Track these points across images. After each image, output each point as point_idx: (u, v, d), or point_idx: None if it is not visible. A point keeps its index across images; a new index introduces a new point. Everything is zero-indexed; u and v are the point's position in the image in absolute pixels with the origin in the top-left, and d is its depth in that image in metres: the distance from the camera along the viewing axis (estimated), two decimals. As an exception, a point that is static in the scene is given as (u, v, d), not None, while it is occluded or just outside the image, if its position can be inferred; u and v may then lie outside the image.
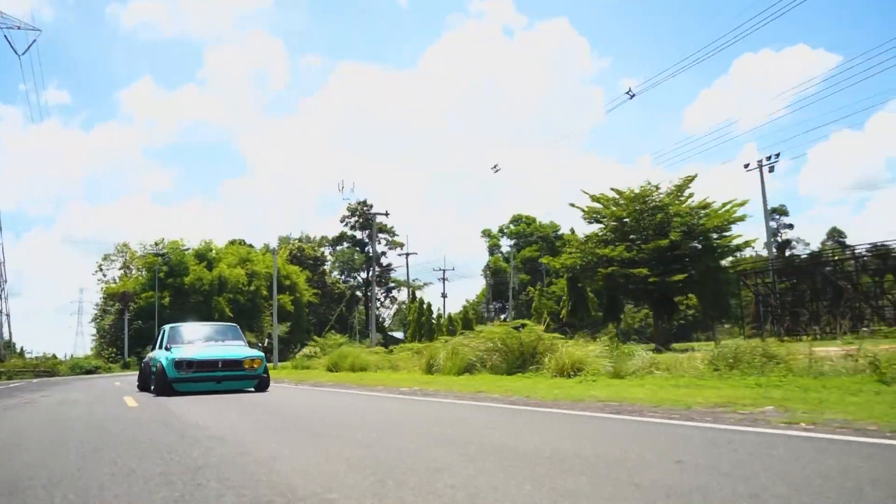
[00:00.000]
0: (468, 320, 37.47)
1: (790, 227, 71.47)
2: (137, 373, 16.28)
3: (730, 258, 25.29)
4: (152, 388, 11.29)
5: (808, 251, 62.50)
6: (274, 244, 70.79)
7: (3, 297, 49.77)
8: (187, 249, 51.19)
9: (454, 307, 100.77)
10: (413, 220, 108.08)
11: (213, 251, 53.67)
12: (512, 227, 76.61)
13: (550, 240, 65.56)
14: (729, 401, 5.59)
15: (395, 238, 74.95)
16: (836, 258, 26.23)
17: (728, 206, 22.52)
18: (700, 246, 21.94)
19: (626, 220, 23.36)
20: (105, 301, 53.55)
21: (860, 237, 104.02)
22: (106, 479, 2.99)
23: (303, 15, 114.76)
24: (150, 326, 46.50)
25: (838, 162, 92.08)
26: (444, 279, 65.72)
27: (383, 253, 77.93)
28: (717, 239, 22.23)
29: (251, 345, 13.60)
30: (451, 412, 6.21)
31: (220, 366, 10.81)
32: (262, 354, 11.62)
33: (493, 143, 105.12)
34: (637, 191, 23.43)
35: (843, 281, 23.29)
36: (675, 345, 22.41)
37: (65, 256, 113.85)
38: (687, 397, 6.15)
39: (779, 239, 66.39)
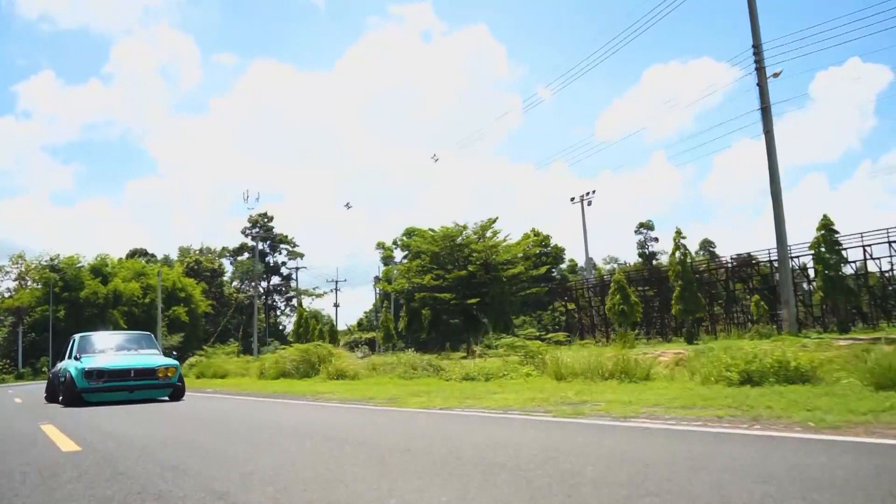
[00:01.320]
0: (334, 331, 42.67)
1: (656, 239, 79.87)
2: (45, 383, 15.80)
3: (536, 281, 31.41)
4: (60, 398, 11.37)
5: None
6: (174, 255, 73.68)
7: None
8: (82, 266, 54.20)
9: (356, 314, 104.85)
10: (319, 227, 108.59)
11: (109, 266, 56.81)
12: (405, 238, 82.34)
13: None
14: (369, 396, 9.73)
15: (296, 248, 79.61)
16: (703, 267, 28.95)
17: (521, 242, 28.66)
18: (491, 276, 28.04)
19: (440, 253, 29.24)
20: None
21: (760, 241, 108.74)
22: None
23: (215, 12, 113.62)
24: (44, 338, 49.46)
25: (741, 169, 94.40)
26: (336, 290, 70.89)
27: (283, 263, 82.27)
28: (504, 269, 28.39)
29: (166, 353, 13.43)
30: (235, 406, 9.90)
31: (132, 375, 10.91)
32: (177, 363, 11.59)
33: (408, 148, 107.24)
34: (449, 229, 29.36)
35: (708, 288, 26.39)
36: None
37: None
38: (366, 391, 10.83)
39: (646, 251, 75.10)
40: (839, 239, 18.97)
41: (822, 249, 18.37)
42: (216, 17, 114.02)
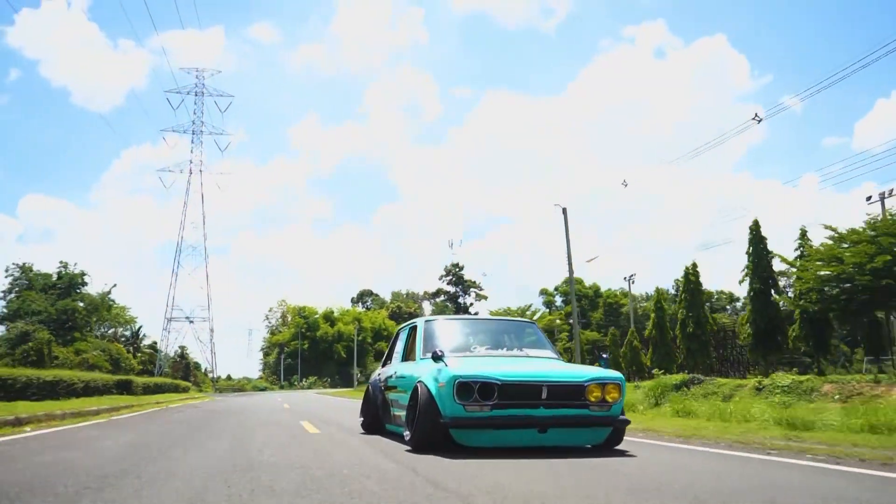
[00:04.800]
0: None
1: None
2: (361, 399, 8.28)
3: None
4: (405, 431, 5.68)
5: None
6: (388, 296, 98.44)
7: (210, 336, 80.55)
8: (317, 315, 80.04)
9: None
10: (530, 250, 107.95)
11: (336, 313, 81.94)
12: (564, 286, 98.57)
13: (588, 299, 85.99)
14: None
15: (482, 292, 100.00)
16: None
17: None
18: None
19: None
20: (269, 345, 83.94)
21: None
22: None
23: (454, 47, 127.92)
24: (296, 364, 75.17)
25: None
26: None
27: (471, 304, 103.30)
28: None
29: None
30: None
31: (543, 395, 5.16)
32: (621, 378, 5.47)
33: (637, 167, 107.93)
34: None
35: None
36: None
37: (236, 283, 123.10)
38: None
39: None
40: None
41: None
42: (454, 52, 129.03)
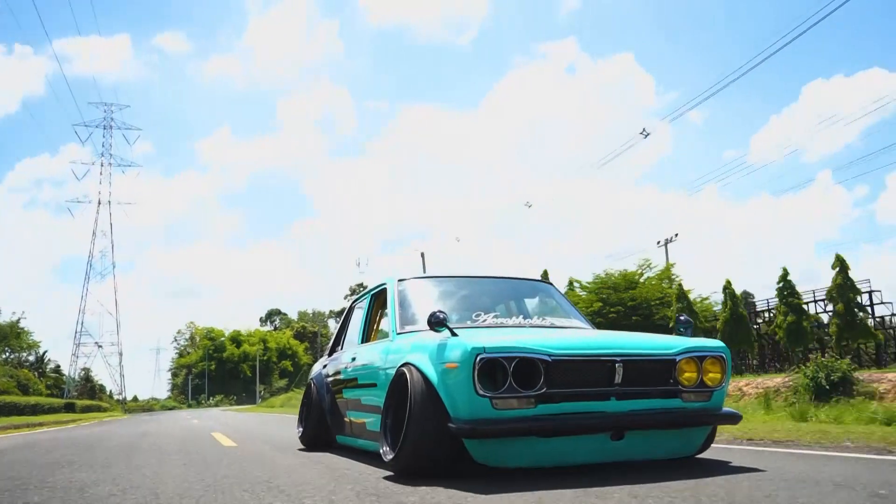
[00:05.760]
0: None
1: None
2: (300, 409, 5.99)
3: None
4: (381, 447, 3.45)
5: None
6: (295, 315, 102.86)
7: (120, 360, 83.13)
8: (224, 338, 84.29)
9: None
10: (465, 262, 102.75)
11: (242, 336, 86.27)
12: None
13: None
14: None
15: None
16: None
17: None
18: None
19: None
20: (177, 367, 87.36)
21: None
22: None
23: (369, 61, 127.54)
24: (202, 383, 79.18)
25: None
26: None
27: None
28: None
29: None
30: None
31: (617, 378, 3.06)
32: (723, 346, 3.38)
33: (548, 180, 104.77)
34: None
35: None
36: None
37: (143, 299, 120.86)
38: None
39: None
40: None
41: None
42: (367, 66, 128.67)
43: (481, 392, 2.88)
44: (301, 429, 5.65)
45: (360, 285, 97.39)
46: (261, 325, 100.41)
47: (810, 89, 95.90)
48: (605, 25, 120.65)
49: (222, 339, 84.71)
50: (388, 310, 4.25)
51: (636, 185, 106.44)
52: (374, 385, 3.94)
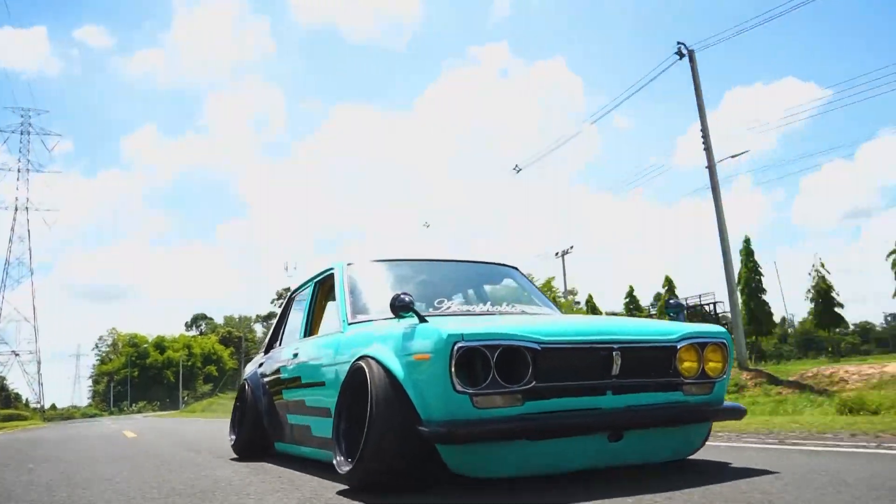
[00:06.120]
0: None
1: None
2: (232, 413, 5.28)
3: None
4: (334, 456, 2.92)
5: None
6: (221, 320, 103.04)
7: (38, 368, 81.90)
8: (147, 344, 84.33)
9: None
10: None
11: (166, 341, 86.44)
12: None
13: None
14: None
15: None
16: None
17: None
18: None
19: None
20: (99, 374, 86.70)
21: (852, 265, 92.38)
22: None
23: (301, 60, 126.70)
24: (125, 389, 79.10)
25: (830, 192, 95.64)
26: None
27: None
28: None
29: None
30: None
31: (614, 368, 2.65)
32: (724, 332, 3.00)
33: (481, 180, 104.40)
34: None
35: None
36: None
37: (62, 302, 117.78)
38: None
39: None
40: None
41: None
42: (301, 65, 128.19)
43: (460, 388, 2.39)
44: (234, 436, 4.95)
45: (287, 289, 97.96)
46: (186, 330, 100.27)
47: (732, 95, 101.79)
48: (536, 30, 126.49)
49: (146, 345, 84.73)
50: (337, 298, 3.59)
51: (570, 186, 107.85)
52: (322, 384, 3.37)
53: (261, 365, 4.94)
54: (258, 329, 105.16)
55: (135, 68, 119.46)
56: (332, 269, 3.96)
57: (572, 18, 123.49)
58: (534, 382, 2.49)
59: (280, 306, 5.85)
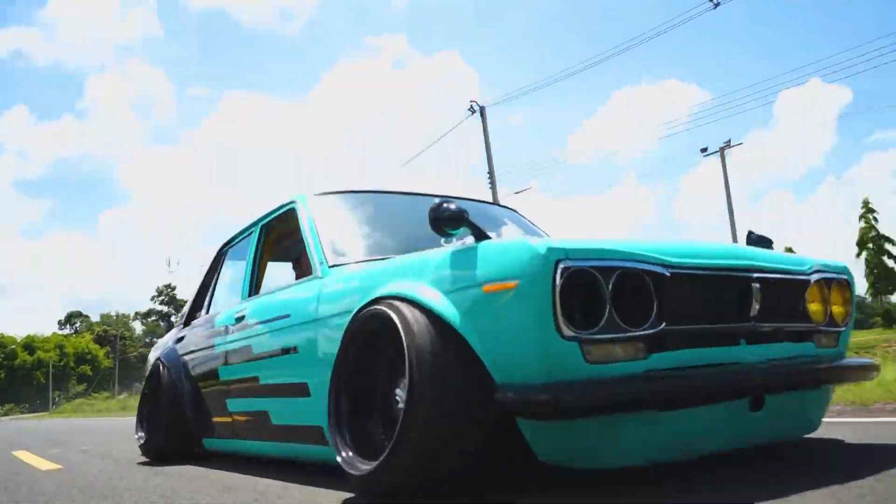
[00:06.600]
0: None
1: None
2: (139, 405, 4.10)
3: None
4: (340, 452, 1.93)
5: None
6: (97, 317, 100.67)
7: None
8: (15, 346, 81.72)
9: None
10: None
11: (37, 341, 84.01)
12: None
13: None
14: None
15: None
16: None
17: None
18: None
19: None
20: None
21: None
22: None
23: (191, 44, 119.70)
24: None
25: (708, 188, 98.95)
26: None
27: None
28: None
29: None
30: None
31: (754, 307, 1.84)
32: (845, 266, 2.19)
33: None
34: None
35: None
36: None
37: None
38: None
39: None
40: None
41: None
42: (191, 49, 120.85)
43: (569, 332, 1.54)
44: (142, 433, 3.89)
45: (168, 286, 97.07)
46: (59, 329, 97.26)
47: (620, 95, 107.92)
48: (433, 23, 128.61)
49: (13, 346, 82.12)
50: (307, 237, 2.67)
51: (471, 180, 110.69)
52: (293, 350, 2.44)
53: (180, 340, 3.87)
54: (137, 327, 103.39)
55: (5, 45, 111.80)
56: (290, 203, 2.92)
57: (468, 10, 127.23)
58: (663, 324, 1.64)
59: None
